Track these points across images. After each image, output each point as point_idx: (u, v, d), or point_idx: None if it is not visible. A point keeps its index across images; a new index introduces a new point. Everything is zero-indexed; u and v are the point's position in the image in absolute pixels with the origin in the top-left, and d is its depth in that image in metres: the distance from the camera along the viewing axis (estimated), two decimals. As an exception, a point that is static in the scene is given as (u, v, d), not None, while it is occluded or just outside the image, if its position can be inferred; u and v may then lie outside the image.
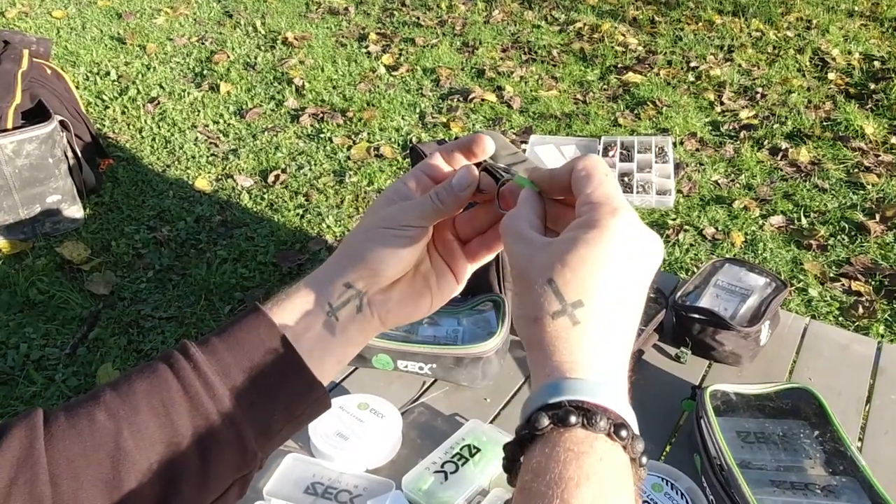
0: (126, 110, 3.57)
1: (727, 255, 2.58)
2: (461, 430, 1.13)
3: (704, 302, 1.35)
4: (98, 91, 3.73)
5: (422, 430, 1.17)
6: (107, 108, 3.59)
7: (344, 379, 1.27)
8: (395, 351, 1.24)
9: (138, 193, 2.95)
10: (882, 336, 2.25)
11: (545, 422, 0.41)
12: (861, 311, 2.33)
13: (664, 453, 1.14)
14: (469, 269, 0.59)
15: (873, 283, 2.47)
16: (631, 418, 0.42)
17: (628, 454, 0.41)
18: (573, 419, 0.40)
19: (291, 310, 0.52)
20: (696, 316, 1.30)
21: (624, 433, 0.41)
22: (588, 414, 0.40)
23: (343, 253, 0.54)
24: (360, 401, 1.17)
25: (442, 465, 1.07)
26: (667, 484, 1.03)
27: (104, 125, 3.44)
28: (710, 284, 1.39)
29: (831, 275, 2.52)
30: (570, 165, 0.48)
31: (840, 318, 2.32)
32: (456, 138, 1.52)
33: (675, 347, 1.33)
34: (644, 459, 0.42)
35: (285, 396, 0.51)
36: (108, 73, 3.89)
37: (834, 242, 2.67)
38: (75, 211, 2.72)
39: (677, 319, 1.33)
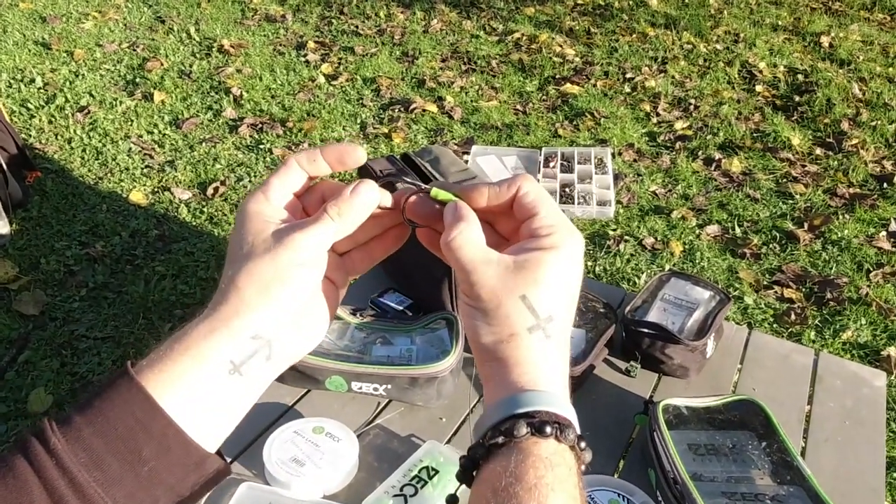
0: (54, 119, 3.43)
1: (667, 265, 2.65)
2: (418, 452, 1.12)
3: (652, 316, 1.37)
4: (22, 99, 3.58)
5: (378, 452, 1.16)
6: (33, 117, 3.45)
7: (297, 402, 1.24)
8: (348, 372, 1.23)
9: (69, 207, 2.84)
10: (813, 341, 2.34)
11: (524, 430, 0.43)
12: (793, 317, 2.42)
13: (618, 468, 1.16)
14: (348, 279, 0.55)
15: (804, 290, 2.57)
16: (577, 426, 0.46)
17: (579, 464, 0.45)
18: (549, 430, 0.43)
19: (177, 373, 0.44)
20: (646, 330, 1.32)
21: (583, 445, 0.45)
22: (561, 426, 0.44)
23: (240, 297, 0.46)
24: (314, 425, 1.15)
25: (401, 489, 1.05)
26: (623, 500, 1.05)
27: (30, 135, 3.30)
28: (657, 298, 1.42)
29: (765, 283, 2.61)
30: (512, 186, 0.49)
31: (774, 325, 2.40)
32: (404, 153, 1.52)
33: (624, 361, 1.35)
34: (585, 468, 0.47)
35: (171, 481, 0.43)
36: (32, 80, 3.73)
37: (766, 251, 2.77)
38: (1, 227, 2.59)
39: (627, 334, 1.36)
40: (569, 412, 0.45)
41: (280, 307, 0.46)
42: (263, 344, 0.46)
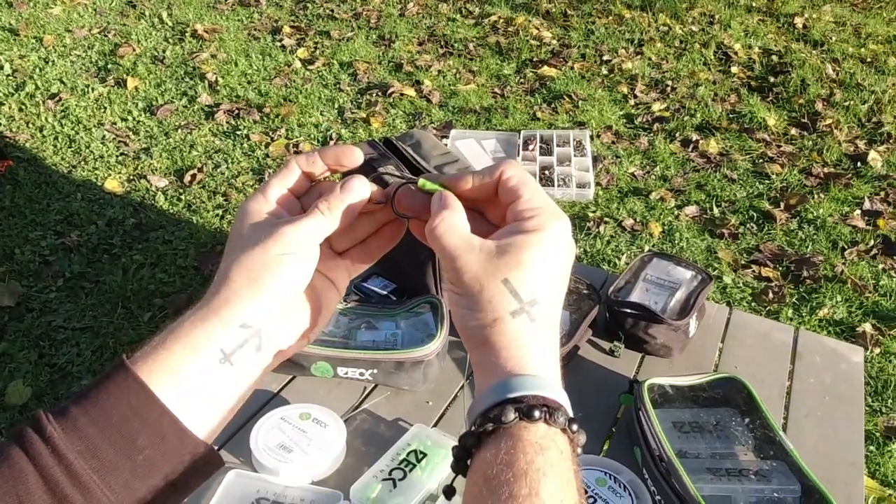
0: (24, 107, 3.36)
1: (646, 246, 2.67)
2: (406, 436, 1.12)
3: (635, 296, 1.38)
4: (-9, 87, 3.50)
5: (366, 437, 1.16)
6: (1, 104, 3.37)
7: (282, 388, 1.24)
8: (334, 358, 1.22)
9: (42, 196, 2.79)
10: (791, 319, 2.38)
11: (511, 415, 0.42)
12: (771, 295, 2.45)
13: (605, 448, 1.17)
14: (348, 279, 0.57)
15: (781, 268, 2.61)
16: (569, 408, 0.46)
17: (573, 446, 0.45)
18: (537, 414, 0.42)
19: (171, 363, 0.45)
20: (629, 311, 1.33)
21: (574, 427, 0.44)
22: (549, 410, 0.43)
23: (230, 287, 0.47)
24: (301, 411, 1.15)
25: (390, 473, 1.06)
26: (610, 478, 1.06)
27: (0, 123, 3.23)
28: (639, 279, 1.43)
29: (742, 262, 2.64)
30: (495, 172, 0.49)
31: (753, 304, 2.44)
32: (385, 137, 1.51)
33: (608, 342, 1.36)
34: (580, 450, 0.46)
35: (166, 469, 0.44)
36: (1, 67, 3.65)
37: (744, 231, 2.80)
38: (-27, 217, 2.55)
39: (610, 314, 1.37)
40: (559, 395, 0.45)
41: (270, 297, 0.47)
42: (253, 333, 0.47)
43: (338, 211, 0.49)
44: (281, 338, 0.50)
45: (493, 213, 0.52)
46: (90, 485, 0.41)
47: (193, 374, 0.45)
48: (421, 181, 0.51)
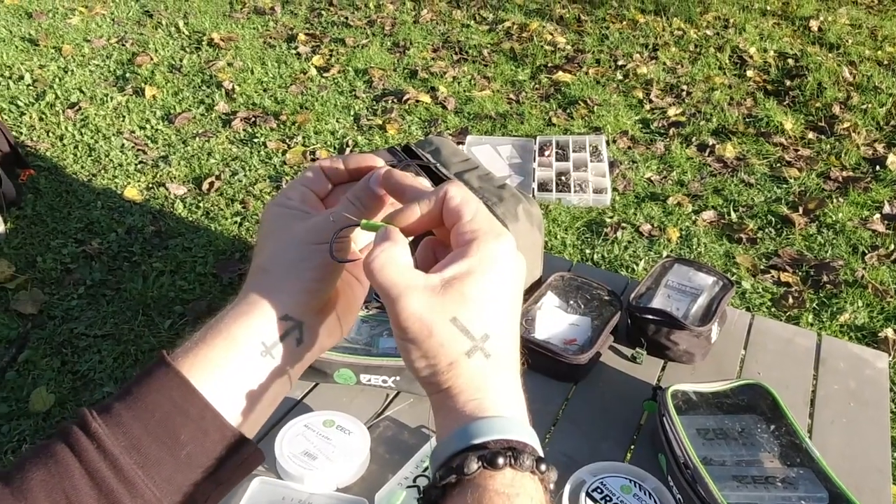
0: (44, 117, 3.41)
1: (664, 251, 2.66)
2: (430, 443, 1.12)
3: (657, 303, 1.38)
4: (12, 96, 3.54)
5: (389, 444, 1.16)
6: (23, 114, 3.41)
7: (305, 395, 1.24)
8: (357, 365, 1.23)
9: (63, 205, 2.82)
10: (811, 325, 2.36)
11: (474, 466, 0.39)
12: (791, 301, 2.44)
13: (628, 455, 1.17)
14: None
15: (800, 273, 2.59)
16: (538, 444, 0.43)
17: (544, 485, 0.42)
18: (501, 461, 0.40)
19: (213, 358, 0.45)
20: (651, 317, 1.33)
21: (543, 466, 0.41)
22: (515, 453, 0.40)
23: (269, 280, 0.47)
24: (325, 418, 1.16)
25: (414, 480, 1.06)
26: (634, 485, 1.06)
27: (21, 133, 3.27)
28: (661, 285, 1.42)
29: (761, 267, 2.63)
30: (438, 195, 0.46)
31: (772, 309, 2.42)
32: (405, 144, 1.52)
33: (630, 348, 1.36)
34: (552, 486, 0.43)
35: (208, 464, 0.44)
36: (21, 77, 3.70)
37: (762, 235, 2.79)
38: (-5, 225, 2.58)
39: (632, 321, 1.36)
40: (524, 434, 0.42)
41: (308, 289, 0.48)
42: (294, 326, 0.47)
43: (366, 199, 0.49)
44: (320, 334, 0.50)
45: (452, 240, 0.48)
46: (135, 479, 0.41)
47: (235, 369, 0.45)
48: (363, 222, 0.48)
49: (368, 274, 0.44)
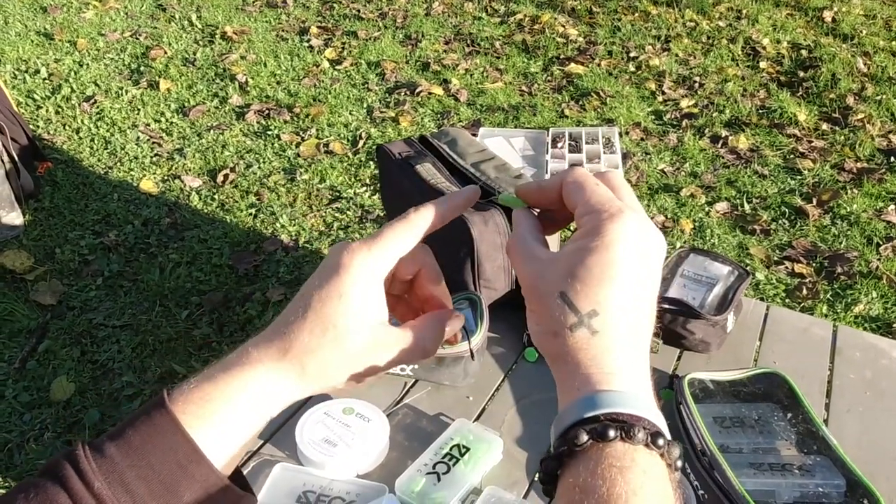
0: (60, 110, 3.44)
1: (678, 243, 2.67)
2: (449, 430, 1.14)
3: (673, 292, 1.39)
4: (28, 90, 3.57)
5: (408, 431, 1.18)
6: (39, 107, 3.45)
7: (325, 384, 1.26)
8: (376, 354, 1.24)
9: (80, 197, 2.85)
10: (826, 316, 2.36)
11: (584, 437, 0.41)
12: (805, 292, 2.44)
13: (645, 442, 1.18)
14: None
15: (814, 264, 2.59)
16: (662, 423, 0.43)
17: (665, 461, 0.42)
18: (612, 433, 0.40)
19: (217, 422, 0.45)
20: (667, 306, 1.33)
21: (661, 441, 0.41)
22: (626, 426, 0.41)
23: (302, 380, 0.48)
24: (344, 406, 1.17)
25: (433, 467, 1.07)
26: (652, 472, 1.06)
27: (38, 126, 3.30)
28: (677, 275, 1.43)
29: (775, 258, 2.63)
30: (558, 179, 0.49)
31: (787, 300, 2.42)
32: (421, 135, 1.52)
33: (646, 337, 1.37)
34: (679, 463, 0.43)
35: None
36: (37, 71, 3.73)
37: (776, 227, 2.78)
38: (14, 218, 2.60)
39: (648, 310, 1.37)
40: (641, 408, 0.42)
41: (334, 380, 0.49)
42: (300, 394, 0.49)
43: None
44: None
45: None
46: None
47: (236, 429, 0.46)
48: (503, 197, 0.54)
49: (507, 251, 0.50)
